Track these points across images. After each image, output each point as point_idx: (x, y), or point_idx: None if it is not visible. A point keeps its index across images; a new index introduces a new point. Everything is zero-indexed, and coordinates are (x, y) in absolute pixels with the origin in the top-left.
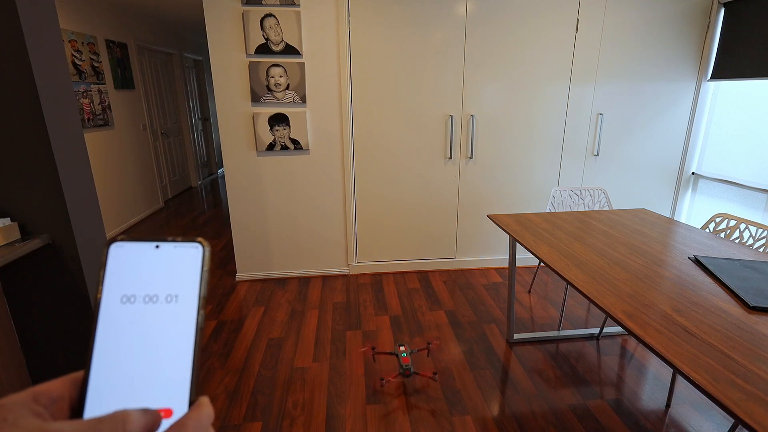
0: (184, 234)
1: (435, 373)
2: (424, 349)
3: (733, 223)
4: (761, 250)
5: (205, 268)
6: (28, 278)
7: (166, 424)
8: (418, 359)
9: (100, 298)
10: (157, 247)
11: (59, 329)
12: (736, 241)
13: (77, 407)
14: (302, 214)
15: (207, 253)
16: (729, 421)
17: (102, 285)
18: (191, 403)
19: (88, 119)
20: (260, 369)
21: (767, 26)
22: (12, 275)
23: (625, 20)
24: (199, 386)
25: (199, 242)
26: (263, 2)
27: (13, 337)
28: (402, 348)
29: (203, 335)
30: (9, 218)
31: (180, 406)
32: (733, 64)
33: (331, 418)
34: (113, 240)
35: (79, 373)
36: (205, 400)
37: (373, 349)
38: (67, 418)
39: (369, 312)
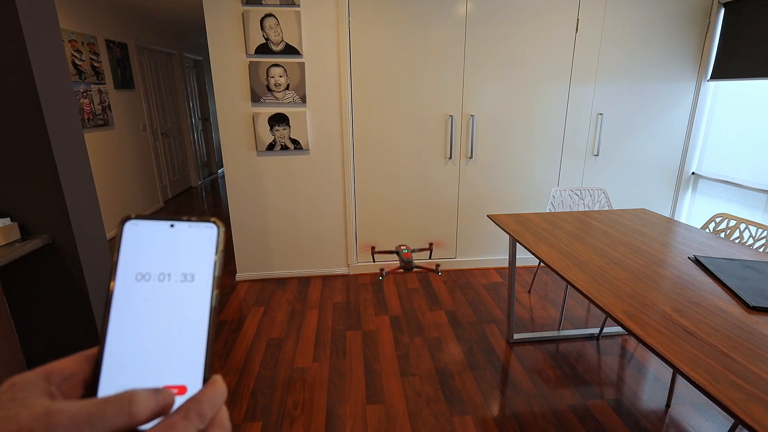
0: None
1: (438, 266)
2: (426, 249)
3: (733, 223)
4: (761, 250)
5: (220, 249)
6: (28, 278)
7: (180, 401)
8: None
9: (114, 275)
10: (172, 226)
11: (59, 329)
12: (736, 241)
13: (91, 384)
14: (302, 214)
15: (221, 234)
16: (729, 421)
17: (117, 262)
18: (205, 380)
19: (88, 119)
20: (260, 369)
21: (767, 26)
22: (12, 275)
23: (625, 20)
24: (212, 365)
25: (214, 222)
26: (263, 2)
27: (13, 337)
28: (403, 246)
29: (217, 315)
30: (9, 218)
31: (194, 384)
32: (733, 64)
33: (331, 418)
34: (128, 217)
35: (93, 350)
36: (219, 378)
37: (373, 248)
38: (80, 396)
39: (369, 312)
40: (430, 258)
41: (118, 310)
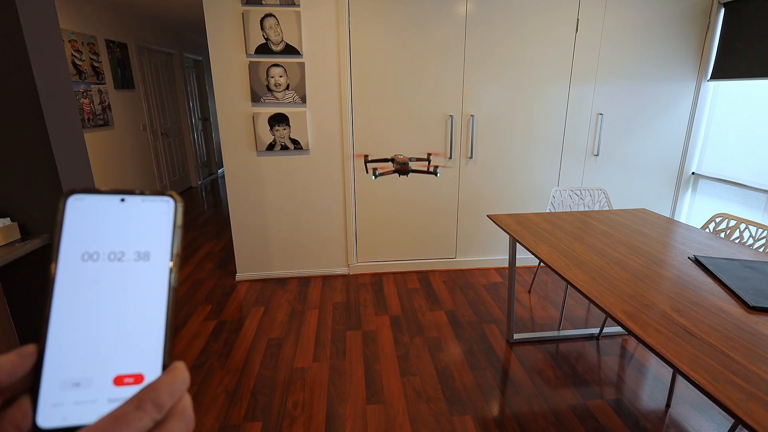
0: (187, 233)
1: (437, 167)
2: (424, 160)
3: (733, 223)
4: (761, 250)
5: (178, 224)
6: (28, 278)
7: (137, 390)
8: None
9: (57, 255)
10: (123, 200)
11: None
12: (736, 241)
13: (33, 378)
14: (302, 214)
15: (180, 208)
16: (729, 421)
17: (59, 240)
18: (165, 368)
19: (88, 119)
20: (260, 369)
21: (767, 26)
22: (12, 275)
23: (625, 20)
24: (172, 351)
25: (171, 195)
26: (263, 2)
27: (13, 338)
28: (399, 154)
29: (176, 295)
30: (9, 218)
31: (152, 372)
32: (733, 64)
33: (331, 418)
34: (72, 191)
35: (29, 347)
36: (179, 365)
37: (366, 156)
38: (20, 395)
39: (369, 312)
40: (428, 169)
41: (63, 295)
